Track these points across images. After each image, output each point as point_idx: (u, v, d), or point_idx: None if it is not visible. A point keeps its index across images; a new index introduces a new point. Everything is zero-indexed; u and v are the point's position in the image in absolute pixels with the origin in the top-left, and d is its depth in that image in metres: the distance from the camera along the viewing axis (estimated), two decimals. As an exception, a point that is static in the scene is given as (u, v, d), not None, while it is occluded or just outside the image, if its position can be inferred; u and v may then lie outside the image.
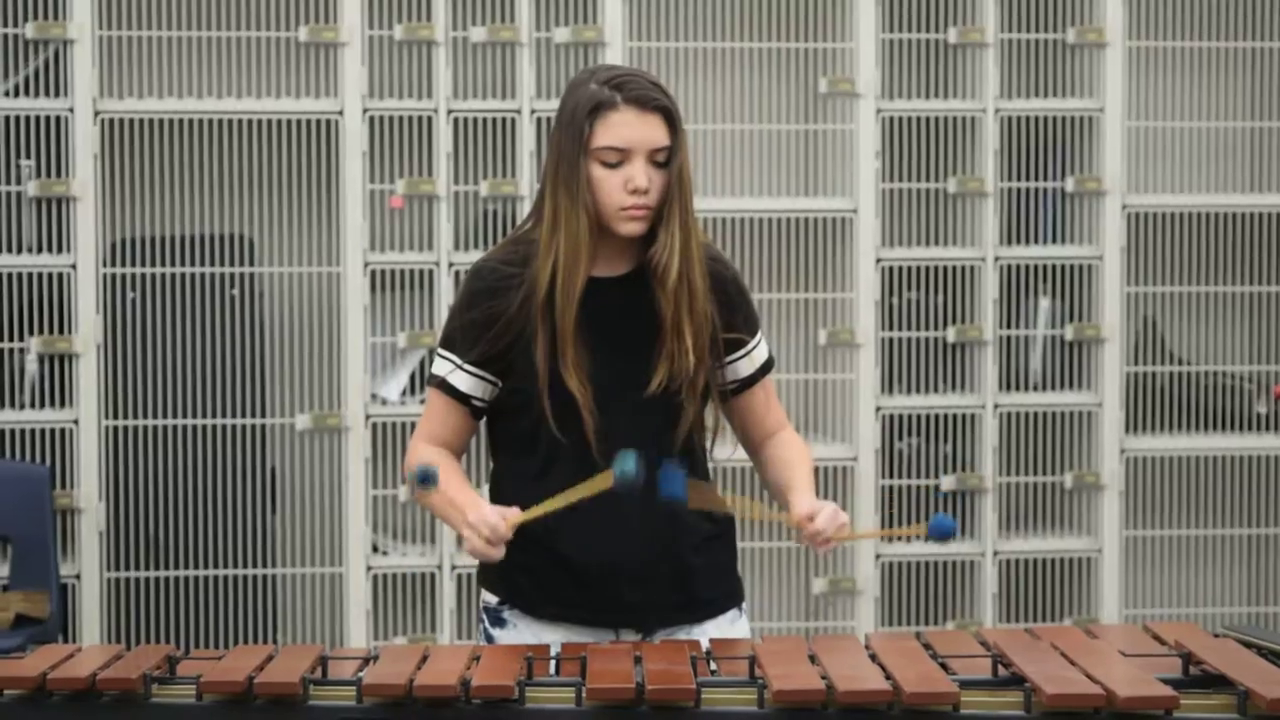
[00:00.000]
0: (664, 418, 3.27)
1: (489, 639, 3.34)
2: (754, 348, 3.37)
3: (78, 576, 5.48)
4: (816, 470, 5.44)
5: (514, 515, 3.14)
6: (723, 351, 3.32)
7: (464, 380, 3.30)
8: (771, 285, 5.80)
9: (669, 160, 3.22)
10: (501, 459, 3.37)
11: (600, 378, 3.23)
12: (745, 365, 3.37)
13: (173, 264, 5.52)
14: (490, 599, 3.36)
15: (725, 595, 3.38)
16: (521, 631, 3.31)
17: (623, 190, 3.20)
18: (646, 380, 3.24)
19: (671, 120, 3.22)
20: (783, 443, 3.41)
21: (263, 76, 5.66)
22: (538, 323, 3.23)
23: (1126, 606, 5.88)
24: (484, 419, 3.37)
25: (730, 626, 3.35)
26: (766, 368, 3.40)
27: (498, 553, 3.13)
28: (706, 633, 3.31)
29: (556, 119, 3.28)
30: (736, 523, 3.44)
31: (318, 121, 5.59)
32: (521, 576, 3.30)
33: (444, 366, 3.31)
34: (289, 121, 5.61)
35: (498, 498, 3.33)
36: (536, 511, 3.17)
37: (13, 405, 5.50)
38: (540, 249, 3.24)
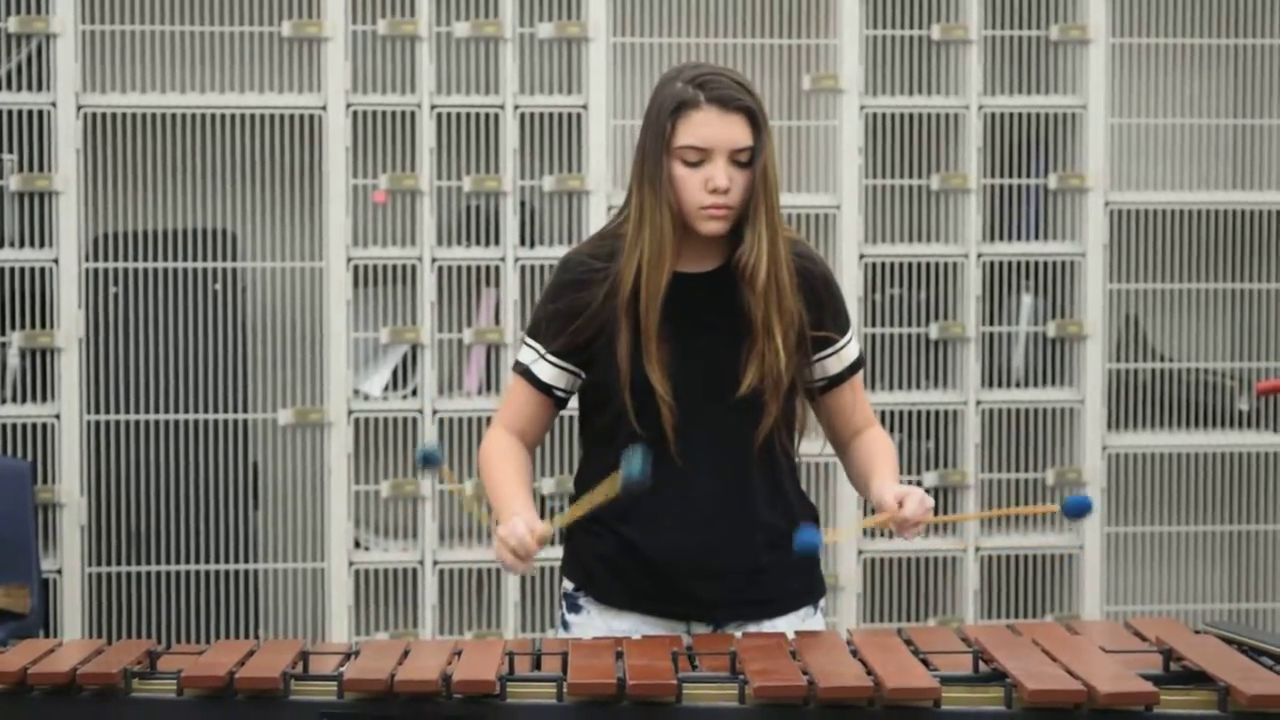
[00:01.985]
0: (746, 417, 3.27)
1: (565, 625, 3.37)
2: (843, 346, 3.37)
3: (59, 571, 5.47)
4: (805, 465, 5.48)
5: (542, 530, 3.15)
6: (810, 349, 3.32)
7: (546, 370, 3.32)
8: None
9: (752, 160, 3.22)
10: (587, 449, 3.41)
11: (683, 374, 3.25)
12: (834, 363, 3.36)
13: (155, 259, 5.51)
14: (568, 585, 3.39)
15: (799, 592, 3.37)
16: (594, 619, 3.33)
17: (703, 189, 3.21)
18: (733, 376, 3.25)
19: (755, 120, 3.22)
20: (869, 438, 3.41)
21: (246, 71, 5.66)
22: (621, 318, 3.24)
23: (1108, 603, 5.89)
24: (574, 409, 3.40)
25: (802, 623, 3.34)
26: (856, 366, 3.39)
27: (524, 567, 3.16)
28: (778, 628, 3.31)
29: (645, 117, 3.28)
30: (822, 523, 3.44)
31: (301, 116, 5.58)
32: (597, 565, 3.33)
33: (528, 355, 3.34)
34: (272, 116, 5.60)
35: (582, 486, 3.36)
36: (563, 520, 3.23)
37: (-6, 400, 5.50)
38: (626, 245, 3.26)
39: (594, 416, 3.35)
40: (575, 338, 3.29)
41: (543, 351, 3.33)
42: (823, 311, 3.33)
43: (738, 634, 3.19)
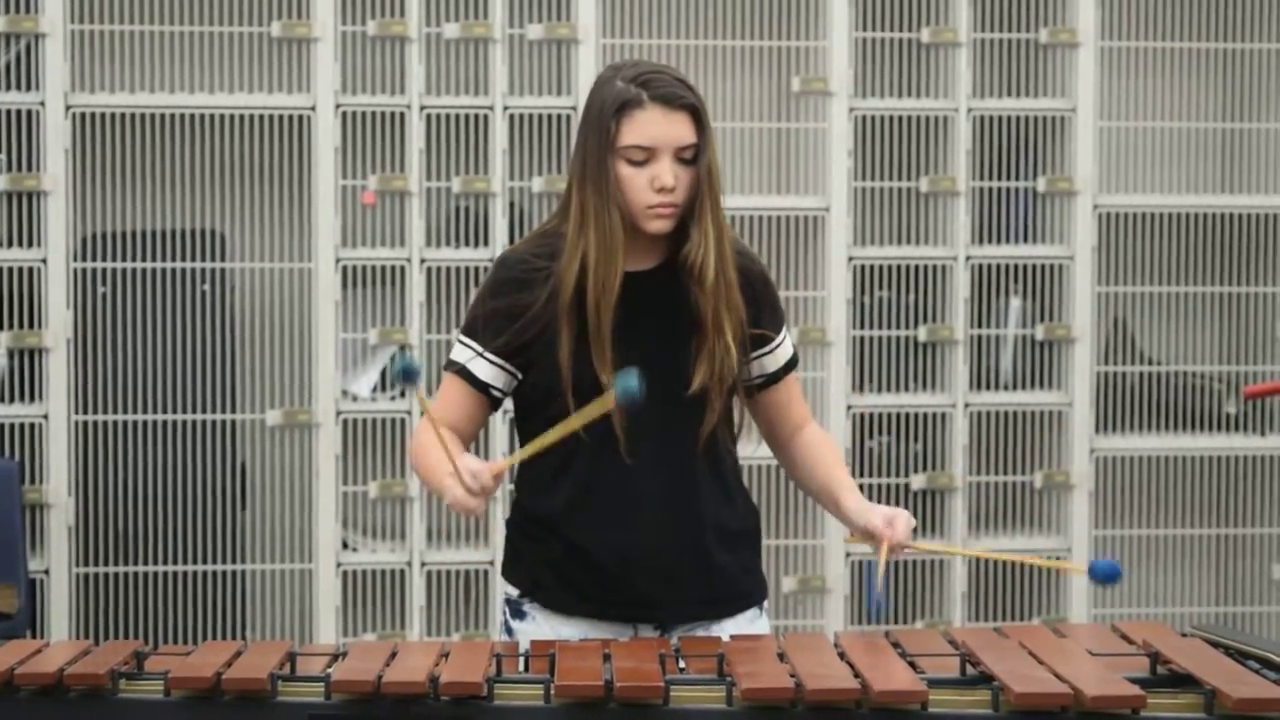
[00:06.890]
0: (689, 414, 3.26)
1: (509, 631, 3.35)
2: (779, 344, 3.37)
3: (46, 572, 5.46)
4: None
5: (498, 464, 3.13)
6: (749, 347, 3.32)
7: (484, 369, 3.29)
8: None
9: (696, 157, 3.21)
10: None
11: None
12: (770, 361, 3.37)
13: (144, 259, 5.51)
14: (512, 591, 3.36)
15: (746, 593, 3.37)
16: (540, 625, 3.31)
17: (649, 188, 3.19)
18: (681, 374, 3.24)
19: (698, 117, 3.21)
20: (812, 440, 3.40)
21: (235, 71, 5.65)
22: (562, 321, 3.22)
23: (1095, 606, 5.89)
24: (511, 413, 3.36)
25: (750, 625, 3.34)
26: (791, 364, 3.40)
27: (477, 503, 3.11)
28: (725, 630, 3.30)
29: (583, 116, 3.26)
30: (763, 520, 3.44)
31: (290, 117, 5.58)
32: (542, 570, 3.30)
33: (464, 354, 3.31)
34: (261, 117, 5.60)
35: (522, 492, 3.35)
36: (521, 454, 3.19)
37: (-18, 399, 5.49)
38: (566, 246, 3.23)
39: (534, 418, 3.31)
40: (516, 338, 3.26)
41: (481, 350, 3.29)
42: (761, 309, 3.33)
43: (674, 639, 3.19)
